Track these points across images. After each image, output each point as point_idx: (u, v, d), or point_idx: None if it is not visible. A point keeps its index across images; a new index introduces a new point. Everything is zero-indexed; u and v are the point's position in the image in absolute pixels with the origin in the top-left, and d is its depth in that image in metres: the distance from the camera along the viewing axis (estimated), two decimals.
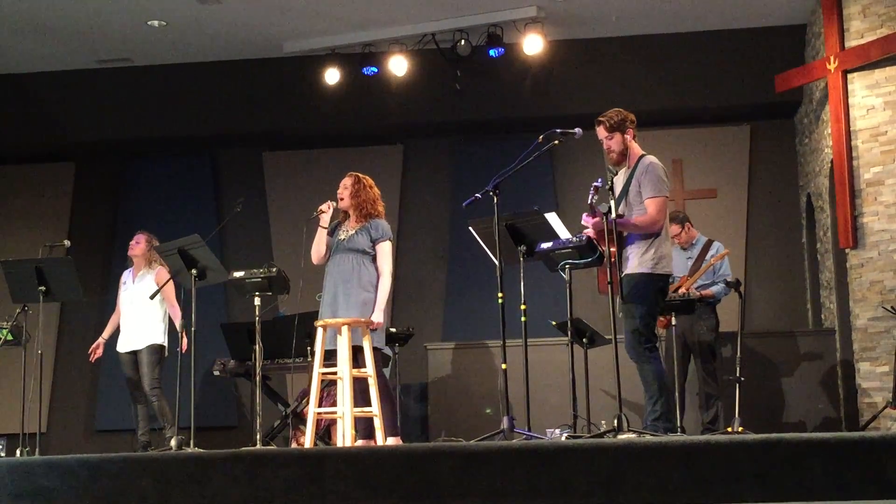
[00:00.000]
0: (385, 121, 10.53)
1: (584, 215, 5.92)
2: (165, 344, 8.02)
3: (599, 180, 5.75)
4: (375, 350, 6.48)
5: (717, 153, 10.39)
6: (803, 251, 10.13)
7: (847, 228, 8.28)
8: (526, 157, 6.13)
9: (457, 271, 10.42)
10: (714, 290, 7.86)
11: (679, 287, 7.79)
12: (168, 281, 7.46)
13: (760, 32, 9.83)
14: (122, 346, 8.12)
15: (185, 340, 7.71)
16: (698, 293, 7.77)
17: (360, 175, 6.75)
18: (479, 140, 10.68)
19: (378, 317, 6.43)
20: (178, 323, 7.85)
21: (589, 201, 5.81)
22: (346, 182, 6.72)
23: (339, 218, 6.77)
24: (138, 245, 8.15)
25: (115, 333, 8.24)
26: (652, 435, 5.44)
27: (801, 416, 8.54)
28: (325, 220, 6.71)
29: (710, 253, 8.01)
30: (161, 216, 10.19)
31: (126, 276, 8.31)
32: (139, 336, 8.02)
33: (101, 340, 8.32)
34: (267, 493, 4.05)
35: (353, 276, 6.48)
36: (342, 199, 6.69)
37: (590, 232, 6.00)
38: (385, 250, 6.60)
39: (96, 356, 8.36)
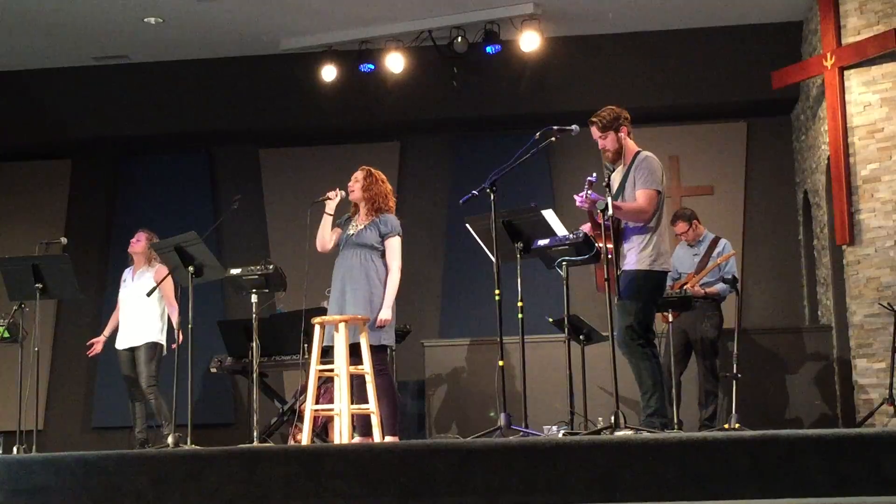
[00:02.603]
0: (382, 118, 10.52)
1: (576, 195, 5.87)
2: (163, 342, 8.04)
3: (594, 175, 5.75)
4: (384, 347, 6.47)
5: (713, 150, 10.39)
6: (800, 248, 10.14)
7: (844, 225, 8.29)
8: (523, 154, 6.12)
9: (454, 268, 10.42)
10: (718, 287, 7.88)
11: (685, 284, 7.80)
12: (165, 278, 7.45)
13: (757, 29, 9.82)
14: (121, 343, 8.15)
15: (180, 336, 7.72)
16: (703, 290, 7.78)
17: (373, 169, 6.70)
18: (476, 137, 10.68)
19: (386, 314, 6.40)
20: (175, 321, 7.87)
21: (584, 194, 5.80)
22: (358, 175, 6.66)
23: (350, 212, 6.74)
24: (138, 243, 8.17)
25: (115, 331, 8.27)
26: (649, 431, 5.45)
27: (797, 412, 8.55)
28: (330, 206, 6.66)
29: (717, 250, 8.03)
30: (158, 213, 10.18)
31: (126, 273, 8.35)
32: (137, 333, 8.06)
33: (101, 337, 8.37)
34: (264, 489, 4.05)
35: (361, 272, 6.45)
36: (353, 192, 6.65)
37: (587, 228, 6.00)
38: (394, 246, 6.55)
39: (94, 351, 8.40)
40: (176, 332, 7.78)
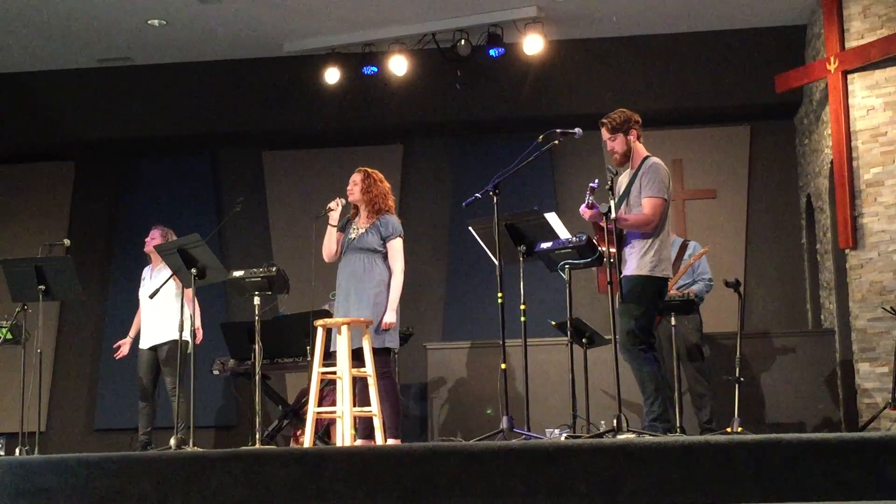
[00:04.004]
0: (385, 120, 10.52)
1: (582, 206, 5.89)
2: (188, 339, 7.96)
3: (596, 181, 5.75)
4: (388, 350, 6.47)
5: (717, 153, 10.38)
6: (803, 252, 10.13)
7: (847, 229, 8.28)
8: (526, 157, 6.13)
9: (456, 271, 10.42)
10: (696, 288, 7.88)
11: None
12: (172, 276, 7.42)
13: (760, 33, 9.82)
14: (144, 343, 8.12)
15: (199, 333, 7.70)
16: (679, 293, 7.77)
17: (370, 170, 6.70)
18: (479, 140, 10.68)
19: (391, 317, 6.41)
20: (196, 318, 7.84)
21: (586, 199, 5.81)
22: (356, 178, 6.66)
23: (350, 214, 6.74)
24: (153, 241, 8.12)
25: (124, 330, 8.28)
26: (651, 435, 5.44)
27: (800, 416, 8.54)
28: (333, 217, 6.67)
29: (688, 252, 8.03)
30: (161, 215, 10.14)
31: (145, 272, 8.33)
32: (159, 331, 8.02)
33: (128, 339, 8.34)
34: (266, 492, 4.05)
35: (365, 276, 6.46)
36: (352, 194, 6.65)
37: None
38: (396, 248, 6.56)
39: (121, 354, 8.37)
40: (192, 329, 7.75)
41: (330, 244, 6.67)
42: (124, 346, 8.34)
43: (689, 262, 7.95)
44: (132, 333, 8.36)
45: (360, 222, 6.63)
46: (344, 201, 6.69)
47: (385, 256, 6.54)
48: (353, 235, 6.59)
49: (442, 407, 8.86)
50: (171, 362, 7.90)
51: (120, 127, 10.65)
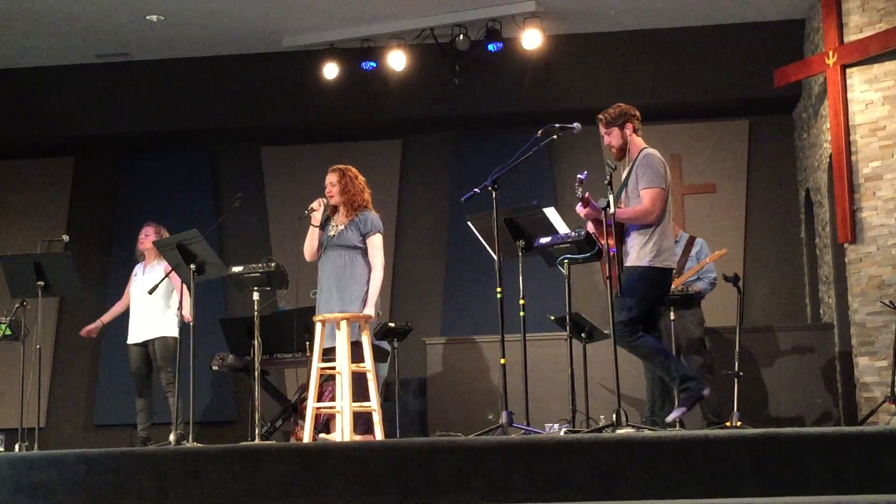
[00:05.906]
0: (384, 116, 10.52)
1: (578, 206, 5.91)
2: (177, 336, 7.95)
3: (584, 173, 5.75)
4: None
5: (715, 148, 10.38)
6: (802, 246, 10.13)
7: (846, 223, 8.28)
8: (525, 152, 6.13)
9: (455, 266, 10.42)
10: (700, 286, 7.89)
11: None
12: (171, 272, 7.42)
13: (759, 27, 9.82)
14: (133, 338, 8.13)
15: (188, 318, 7.65)
16: (686, 289, 7.77)
17: (343, 167, 6.74)
18: (478, 135, 10.67)
19: (370, 311, 6.43)
20: (184, 309, 7.81)
21: (577, 195, 5.82)
22: (332, 179, 6.71)
23: (329, 212, 6.77)
24: (147, 238, 8.14)
25: (124, 326, 8.24)
26: (650, 430, 5.45)
27: (799, 410, 8.55)
28: (316, 217, 6.70)
29: (695, 249, 8.02)
30: (160, 211, 10.15)
31: (137, 268, 8.33)
32: (150, 327, 8.03)
33: (99, 322, 8.33)
34: (265, 487, 4.06)
35: (346, 273, 6.49)
36: (332, 197, 6.68)
37: (589, 226, 6.00)
38: (376, 244, 6.59)
39: (88, 332, 8.33)
40: (179, 317, 7.74)
41: (312, 243, 6.71)
42: (93, 330, 8.31)
43: (705, 261, 7.94)
44: (105, 319, 8.38)
45: (339, 219, 6.66)
46: (325, 201, 6.72)
47: (365, 252, 6.57)
48: (332, 233, 6.62)
49: (441, 402, 8.86)
50: (165, 358, 7.92)
51: (118, 122, 10.64)
